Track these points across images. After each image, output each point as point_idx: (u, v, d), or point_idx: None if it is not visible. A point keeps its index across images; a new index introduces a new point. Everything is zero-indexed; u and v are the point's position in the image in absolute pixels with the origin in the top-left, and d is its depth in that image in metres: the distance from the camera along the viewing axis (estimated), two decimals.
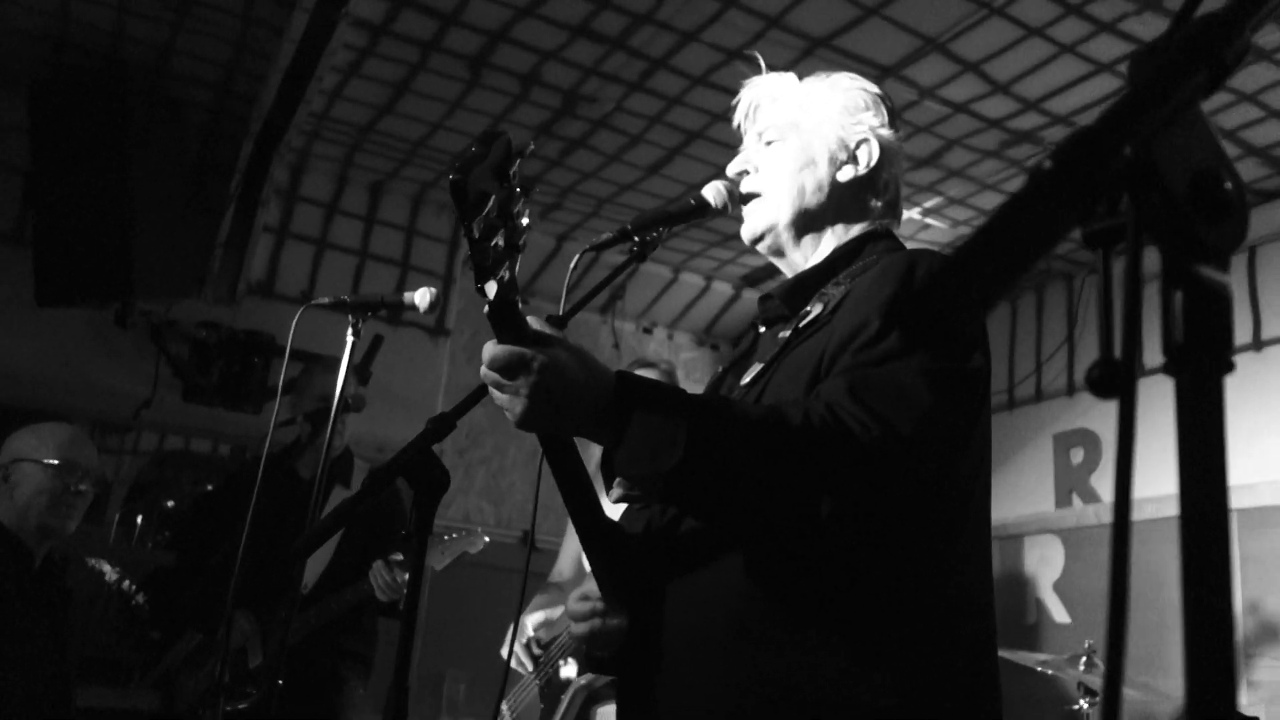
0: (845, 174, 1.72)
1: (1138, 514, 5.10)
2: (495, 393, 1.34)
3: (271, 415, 2.95)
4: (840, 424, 1.30)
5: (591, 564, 1.62)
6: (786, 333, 1.62)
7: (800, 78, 1.83)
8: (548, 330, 1.37)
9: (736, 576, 1.42)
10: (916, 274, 1.49)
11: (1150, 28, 3.75)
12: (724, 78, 4.26)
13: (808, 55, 4.05)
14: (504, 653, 3.26)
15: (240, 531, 2.69)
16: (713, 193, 1.77)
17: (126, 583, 4.75)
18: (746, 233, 1.78)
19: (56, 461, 3.13)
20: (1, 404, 4.53)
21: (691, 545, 1.51)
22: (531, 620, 3.20)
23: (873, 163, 1.72)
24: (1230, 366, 0.47)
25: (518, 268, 1.30)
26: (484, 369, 1.34)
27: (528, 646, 3.14)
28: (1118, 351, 0.47)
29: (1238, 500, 4.33)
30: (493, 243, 1.23)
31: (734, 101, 1.86)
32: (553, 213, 5.66)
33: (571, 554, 3.56)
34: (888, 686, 1.34)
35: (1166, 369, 0.47)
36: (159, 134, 4.58)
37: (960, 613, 1.45)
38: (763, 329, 1.78)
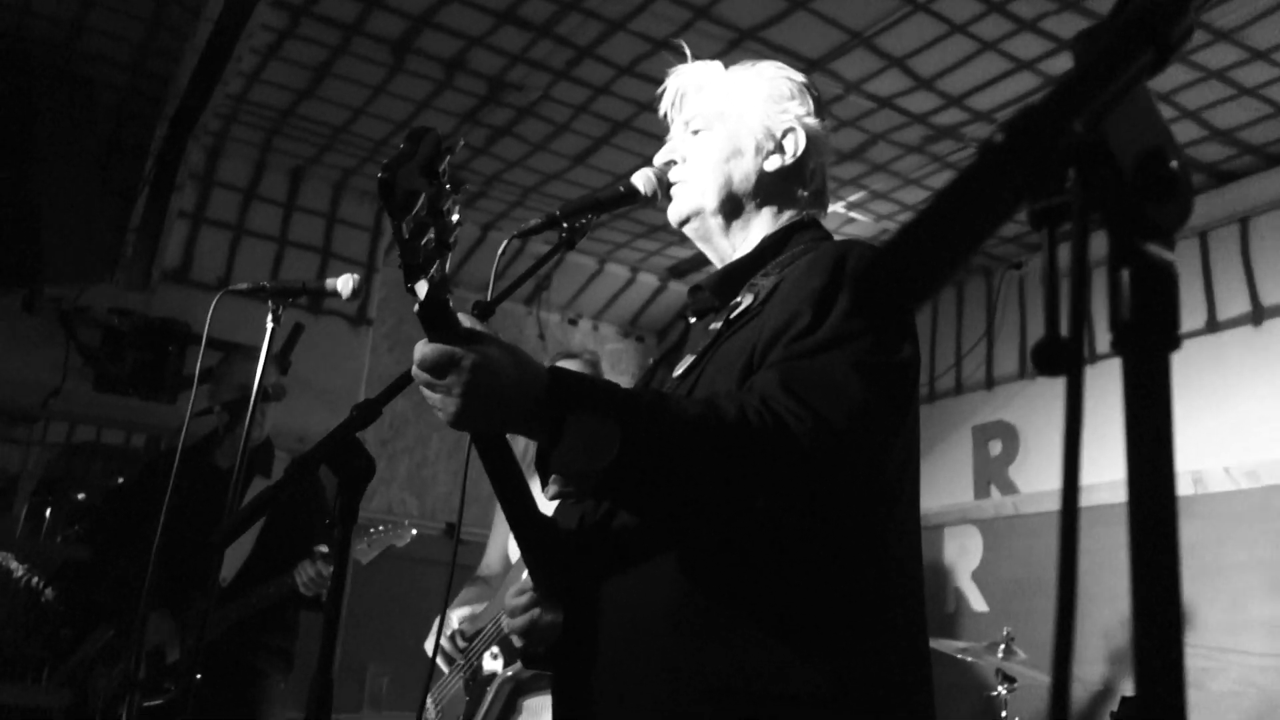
0: (772, 163, 1.72)
1: (1053, 504, 5.21)
2: (427, 392, 1.32)
3: (187, 405, 2.87)
4: (775, 417, 1.30)
5: (525, 559, 1.61)
6: (718, 324, 1.61)
7: (726, 67, 1.83)
8: (479, 328, 1.34)
9: (671, 571, 1.42)
10: (847, 265, 1.49)
11: (1070, 26, 3.83)
12: (651, 67, 4.25)
13: (734, 47, 4.06)
14: (428, 646, 3.22)
15: (155, 524, 2.61)
16: (642, 180, 1.76)
17: (34, 578, 4.60)
18: (674, 214, 1.77)
19: None
20: None
21: (626, 540, 1.50)
22: (457, 614, 3.17)
23: (799, 152, 1.72)
24: (1177, 344, 0.47)
25: (448, 264, 1.28)
26: (415, 369, 1.31)
27: (452, 639, 3.10)
28: (1063, 330, 0.47)
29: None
30: (423, 241, 1.21)
31: (660, 90, 1.85)
32: (478, 201, 5.60)
33: (499, 547, 3.53)
34: (823, 675, 1.35)
35: (1114, 346, 0.47)
36: (67, 113, 4.43)
37: (892, 600, 1.46)
38: (693, 320, 1.78)
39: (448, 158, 1.22)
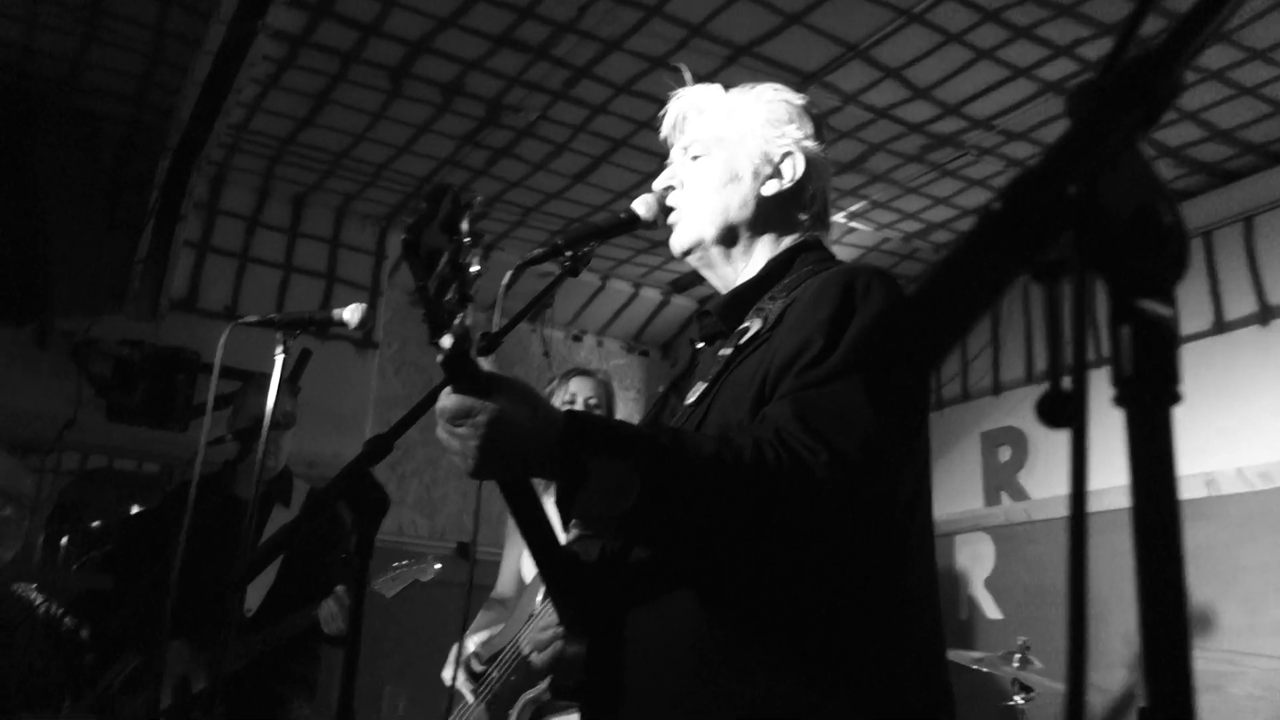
0: (770, 188, 1.72)
1: (1065, 510, 5.22)
2: (448, 441, 1.34)
3: (199, 433, 2.89)
4: (790, 453, 1.31)
5: (550, 593, 1.62)
6: (727, 350, 1.61)
7: (726, 87, 1.84)
8: (498, 374, 1.37)
9: (692, 603, 1.43)
10: (855, 291, 1.50)
11: (1065, 32, 3.85)
12: (648, 85, 4.28)
13: (731, 63, 4.08)
14: (446, 676, 3.23)
15: (173, 553, 2.63)
16: (643, 206, 1.78)
17: (53, 607, 4.62)
18: (675, 246, 1.78)
19: None
20: None
21: (646, 572, 1.51)
22: (473, 640, 3.18)
23: (797, 176, 1.73)
24: (1177, 398, 0.49)
25: (469, 316, 1.31)
26: (438, 419, 1.34)
27: (468, 664, 3.11)
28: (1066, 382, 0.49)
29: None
30: (446, 297, 1.24)
31: (661, 113, 1.87)
32: (479, 222, 5.63)
33: (512, 567, 3.54)
34: (847, 701, 1.36)
35: (1116, 401, 0.48)
36: (72, 148, 4.47)
37: (910, 621, 1.47)
38: (701, 345, 1.79)
39: (467, 213, 1.24)
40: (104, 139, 4.78)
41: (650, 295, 6.60)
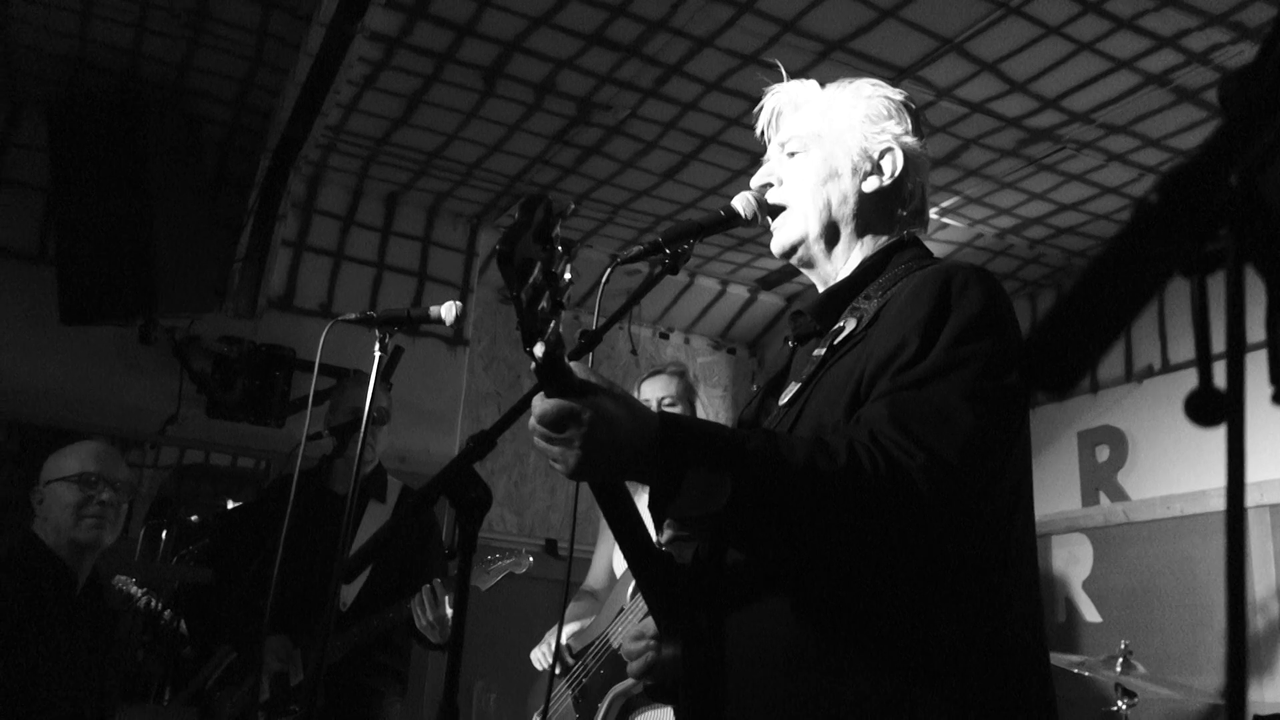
0: (870, 184, 1.71)
1: (1166, 511, 5.06)
2: (545, 446, 1.36)
3: (296, 429, 2.96)
4: (885, 456, 1.30)
5: (644, 596, 1.63)
6: (822, 350, 1.60)
7: (822, 84, 1.82)
8: (592, 379, 1.38)
9: (788, 604, 1.42)
10: (951, 290, 1.47)
11: (1169, 23, 3.74)
12: (738, 82, 4.26)
13: (823, 59, 4.04)
14: (534, 656, 3.26)
15: (272, 548, 2.69)
16: (742, 203, 1.77)
17: (154, 600, 4.77)
18: (776, 246, 1.78)
19: (76, 474, 3.16)
20: (29, 423, 4.55)
21: (741, 574, 1.51)
22: (566, 630, 3.21)
23: (897, 172, 1.71)
24: None
25: (561, 324, 1.32)
26: (533, 423, 1.35)
27: (560, 655, 3.15)
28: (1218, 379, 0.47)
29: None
30: (540, 306, 1.25)
31: (756, 109, 1.86)
32: (568, 220, 5.66)
33: (604, 560, 3.57)
34: (947, 702, 1.34)
35: (1276, 399, 0.46)
36: (177, 150, 4.60)
37: (1009, 625, 1.44)
38: (795, 345, 1.77)
39: (559, 223, 1.26)
40: (206, 141, 4.92)
41: (737, 292, 6.58)
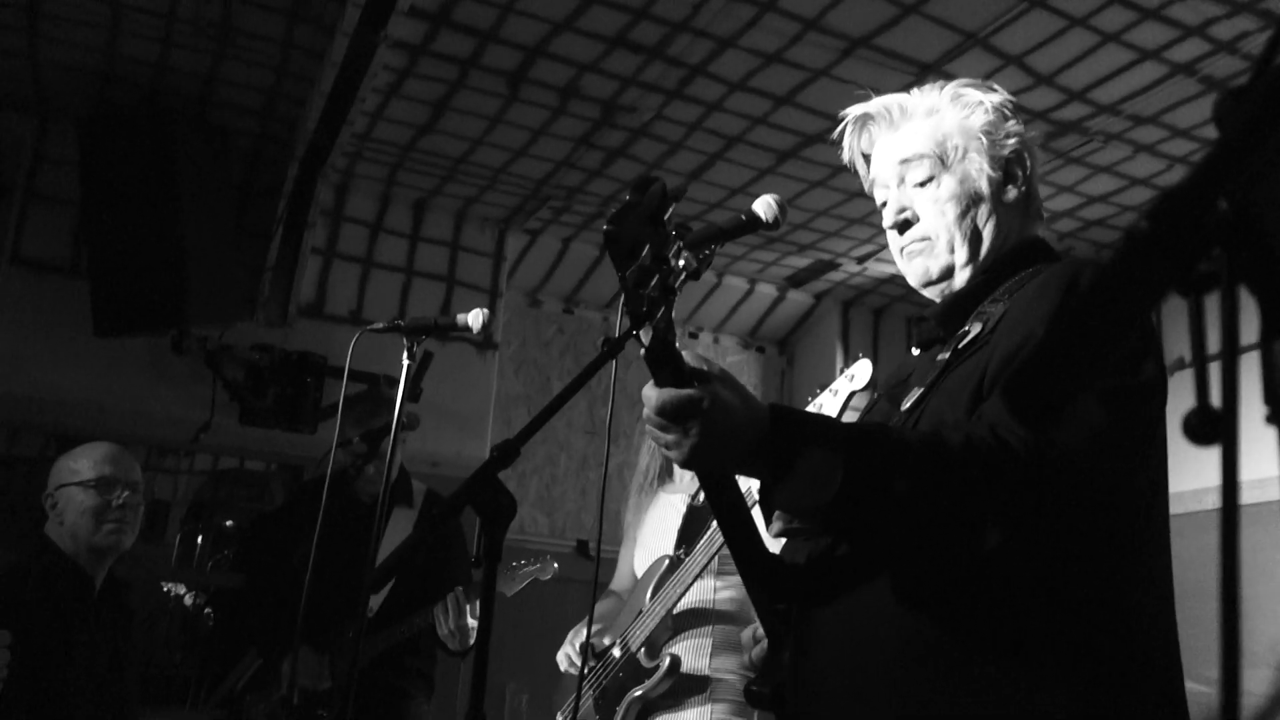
0: (1009, 195, 1.65)
1: (1208, 504, 5.02)
2: (659, 434, 1.33)
3: (328, 435, 2.99)
4: (1003, 445, 1.26)
5: (752, 599, 1.61)
6: (945, 354, 1.56)
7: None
8: (702, 367, 1.35)
9: (899, 604, 1.39)
10: (1079, 285, 1.43)
11: (1194, 13, 3.70)
12: (762, 81, 4.25)
13: (847, 56, 4.03)
14: (560, 658, 3.27)
15: (299, 554, 2.71)
16: (763, 207, 1.76)
17: (198, 600, 4.82)
18: (918, 277, 1.70)
19: (92, 478, 3.15)
20: (64, 433, 4.62)
21: (851, 575, 1.47)
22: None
23: (1030, 174, 1.67)
24: None
25: (673, 310, 1.30)
26: (648, 412, 1.33)
27: (584, 653, 3.15)
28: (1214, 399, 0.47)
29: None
30: (648, 288, 1.23)
31: (836, 133, 1.80)
32: (595, 222, 5.68)
33: (627, 562, 3.58)
34: (1063, 704, 1.31)
35: (1269, 419, 0.47)
36: (206, 162, 4.65)
37: (1138, 629, 1.41)
38: (918, 352, 1.74)
39: (673, 205, 1.23)
40: (234, 151, 4.97)
41: (766, 291, 6.57)
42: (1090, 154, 4.73)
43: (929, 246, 1.66)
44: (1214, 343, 0.51)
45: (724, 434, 1.30)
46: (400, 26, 3.89)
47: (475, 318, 2.77)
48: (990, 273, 1.62)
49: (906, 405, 1.57)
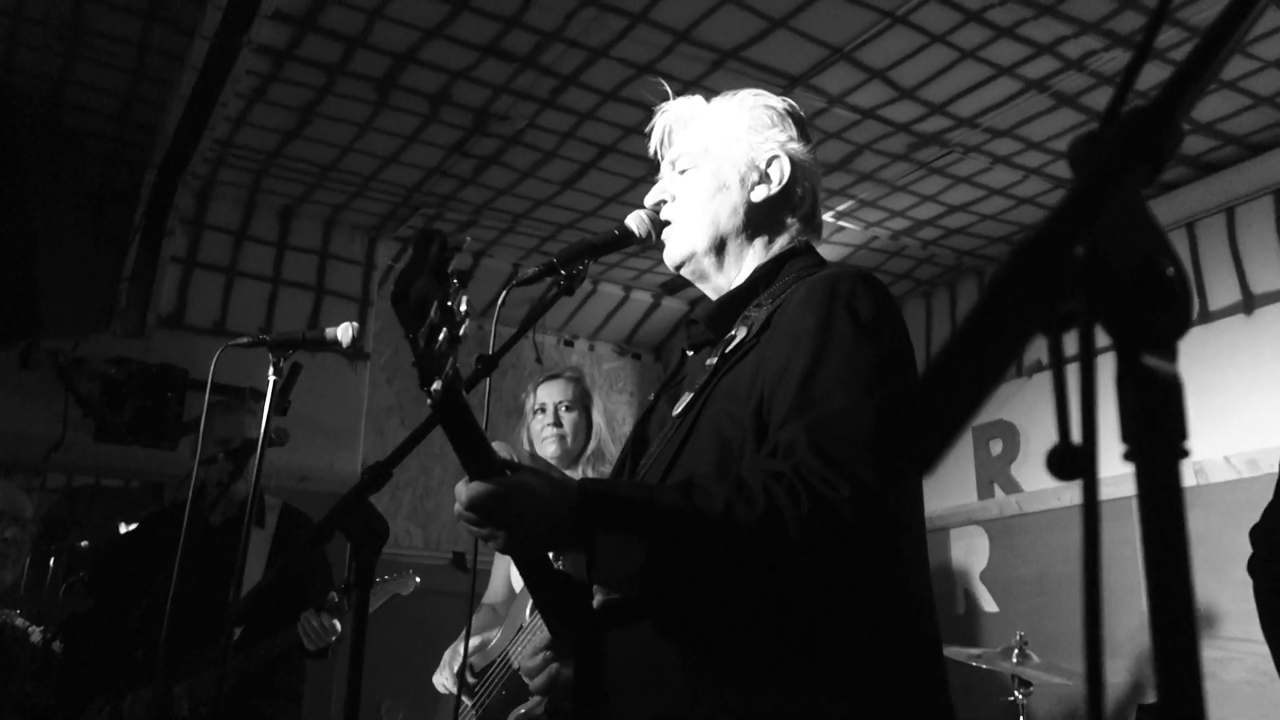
0: (759, 194, 1.73)
1: (1057, 502, 5.21)
2: (473, 529, 1.38)
3: (188, 451, 2.89)
4: (810, 491, 1.32)
5: (544, 619, 1.63)
6: (714, 359, 1.62)
7: (711, 94, 1.85)
8: (505, 454, 1.41)
9: (667, 618, 1.44)
10: (839, 295, 1.50)
11: (1046, 31, 3.86)
12: (635, 92, 4.28)
13: (717, 68, 4.08)
14: (437, 681, 3.21)
15: (152, 582, 2.60)
16: (636, 222, 1.78)
17: (44, 633, 4.59)
18: (668, 260, 1.79)
19: None
20: None
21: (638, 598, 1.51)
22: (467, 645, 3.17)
23: (784, 180, 1.73)
24: (1185, 453, 0.49)
25: (459, 358, 1.31)
26: (458, 509, 1.38)
27: (461, 673, 3.11)
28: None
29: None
30: (437, 344, 1.24)
31: (648, 128, 1.87)
32: (468, 229, 5.62)
33: (503, 574, 3.54)
34: (840, 701, 1.36)
35: (1126, 456, 0.49)
36: (57, 166, 4.45)
37: (906, 620, 1.47)
38: (690, 353, 1.79)
39: (455, 256, 1.24)
40: (88, 156, 4.77)
41: (641, 298, 6.61)
42: (950, 165, 4.89)
43: (676, 230, 1.76)
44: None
45: (531, 521, 1.36)
46: (264, 31, 3.79)
47: (345, 331, 2.71)
48: (753, 277, 1.70)
49: (678, 409, 1.64)
